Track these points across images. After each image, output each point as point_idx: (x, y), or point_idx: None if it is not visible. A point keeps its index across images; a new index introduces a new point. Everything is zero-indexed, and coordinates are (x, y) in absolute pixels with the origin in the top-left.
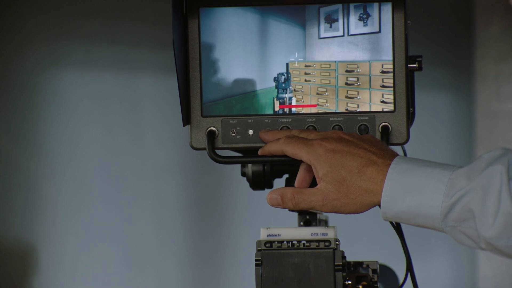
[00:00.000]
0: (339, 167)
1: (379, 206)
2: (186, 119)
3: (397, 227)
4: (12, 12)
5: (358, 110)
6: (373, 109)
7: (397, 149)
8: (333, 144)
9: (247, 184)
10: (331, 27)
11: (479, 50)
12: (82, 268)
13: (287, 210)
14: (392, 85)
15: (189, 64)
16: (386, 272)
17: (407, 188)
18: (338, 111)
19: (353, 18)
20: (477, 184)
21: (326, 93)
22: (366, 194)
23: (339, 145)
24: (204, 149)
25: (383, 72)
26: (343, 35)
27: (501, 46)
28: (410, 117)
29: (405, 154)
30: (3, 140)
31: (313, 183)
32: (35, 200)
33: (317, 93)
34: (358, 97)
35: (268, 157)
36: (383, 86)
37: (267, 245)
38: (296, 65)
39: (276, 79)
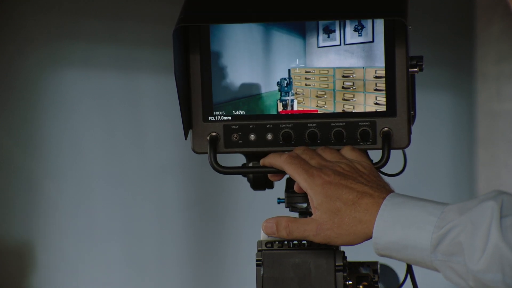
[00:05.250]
0: (334, 198)
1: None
2: (187, 127)
3: None
4: (13, 11)
5: (359, 115)
6: (367, 110)
7: (398, 153)
8: (331, 176)
9: (248, 184)
10: (328, 37)
11: (480, 49)
12: (82, 268)
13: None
14: (384, 88)
15: (190, 71)
16: (387, 272)
17: (399, 218)
18: (336, 111)
19: (349, 29)
20: (468, 217)
21: (325, 96)
22: (360, 225)
23: (337, 178)
24: (206, 153)
25: (376, 77)
26: (340, 44)
27: (502, 45)
28: (411, 120)
29: (405, 157)
30: (4, 139)
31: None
32: (36, 199)
33: (317, 96)
34: (354, 99)
35: (268, 168)
36: (376, 90)
37: (267, 245)
38: (297, 71)
39: (279, 83)
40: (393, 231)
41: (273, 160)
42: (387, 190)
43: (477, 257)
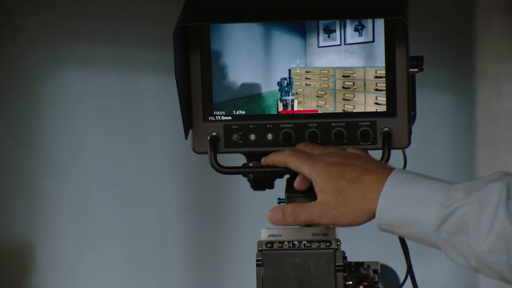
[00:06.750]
0: (338, 177)
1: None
2: (188, 127)
3: None
4: (13, 11)
5: (360, 115)
6: (368, 110)
7: (397, 153)
8: (334, 158)
9: (248, 184)
10: (329, 37)
11: (480, 50)
12: (82, 268)
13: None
14: (384, 88)
15: (190, 71)
16: (387, 272)
17: (405, 195)
18: (336, 111)
19: (349, 29)
20: (475, 198)
21: (325, 96)
22: (364, 201)
23: (340, 159)
24: (206, 153)
25: (376, 77)
26: (340, 44)
27: (502, 46)
28: (412, 120)
29: (405, 157)
30: (4, 139)
31: (312, 190)
32: (36, 200)
33: (317, 96)
34: (354, 99)
35: (270, 167)
36: (376, 90)
37: (268, 245)
38: (298, 71)
39: (279, 83)
40: (397, 208)
41: (275, 157)
42: (390, 168)
43: (482, 238)
